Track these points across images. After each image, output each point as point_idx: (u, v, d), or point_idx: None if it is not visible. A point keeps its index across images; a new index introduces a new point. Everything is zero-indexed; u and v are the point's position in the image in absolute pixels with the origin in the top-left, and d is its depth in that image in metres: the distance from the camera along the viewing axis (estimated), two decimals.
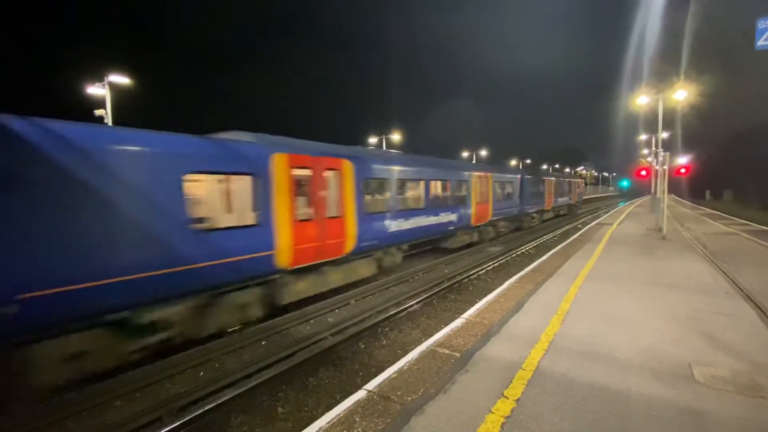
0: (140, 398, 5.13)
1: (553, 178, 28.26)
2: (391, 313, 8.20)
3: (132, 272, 5.20)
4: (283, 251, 7.41)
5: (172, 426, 4.40)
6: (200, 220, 6.15)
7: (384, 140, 34.54)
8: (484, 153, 57.77)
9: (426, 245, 14.37)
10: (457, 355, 4.66)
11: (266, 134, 7.92)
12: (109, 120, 14.54)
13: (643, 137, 30.95)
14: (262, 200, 7.03)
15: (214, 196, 6.95)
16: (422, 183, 12.37)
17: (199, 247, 6.03)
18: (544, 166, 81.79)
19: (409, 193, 12.11)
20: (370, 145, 31.57)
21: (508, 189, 19.68)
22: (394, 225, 10.85)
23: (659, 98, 16.61)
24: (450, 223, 13.94)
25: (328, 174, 8.68)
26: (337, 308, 8.67)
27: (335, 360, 6.25)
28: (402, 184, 11.49)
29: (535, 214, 24.08)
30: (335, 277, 9.15)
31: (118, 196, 5.16)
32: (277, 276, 7.51)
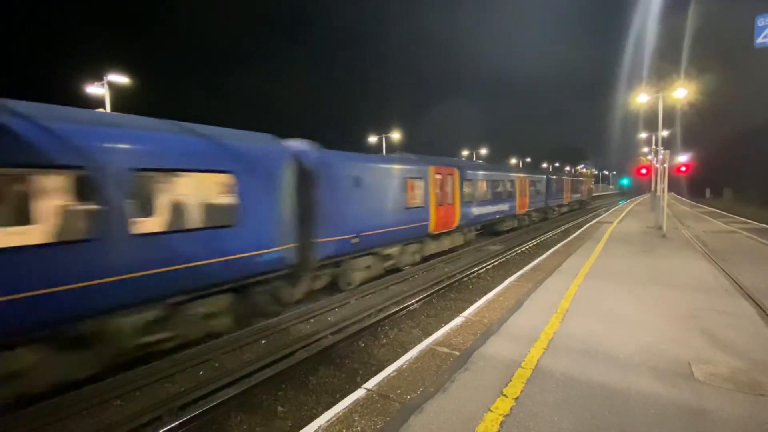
0: (140, 397, 5.13)
1: (570, 178, 35.76)
2: (391, 311, 8.20)
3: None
4: (431, 223, 12.78)
5: (173, 425, 4.40)
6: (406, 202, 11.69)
7: (384, 139, 34.50)
8: (483, 152, 57.75)
9: (487, 227, 19.53)
10: (457, 353, 4.66)
11: (423, 155, 13.37)
12: None
13: (643, 136, 30.97)
14: (425, 193, 12.40)
15: (411, 190, 11.82)
16: (490, 183, 18.04)
17: (406, 217, 11.48)
18: (544, 165, 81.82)
19: (483, 190, 17.30)
20: (371, 145, 32.52)
21: (538, 187, 25.50)
22: (475, 211, 16.18)
23: (659, 97, 16.58)
24: (502, 212, 19.48)
25: (448, 177, 14.02)
26: (337, 307, 8.68)
27: (335, 359, 6.25)
28: (481, 183, 16.96)
29: (556, 207, 30.44)
30: (446, 243, 14.39)
31: (384, 188, 10.75)
32: (426, 237, 12.93)
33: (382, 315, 7.99)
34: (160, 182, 5.65)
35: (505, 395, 3.68)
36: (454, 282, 10.74)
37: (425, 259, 12.95)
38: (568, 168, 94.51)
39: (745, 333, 5.18)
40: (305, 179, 8.12)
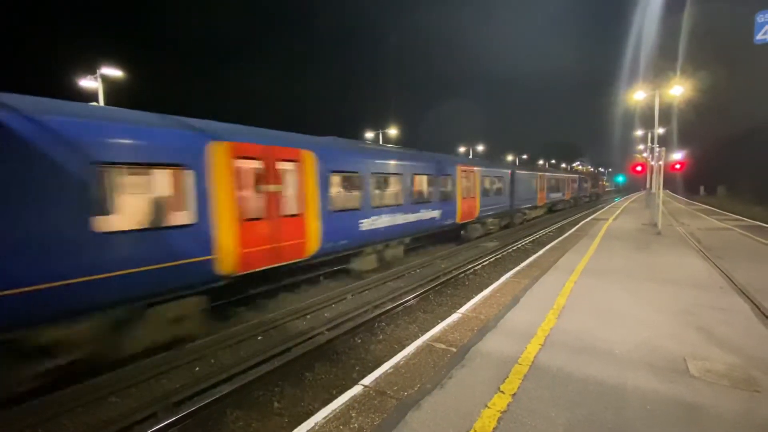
0: (136, 394, 5.10)
1: (590, 177, 54.70)
2: (388, 308, 8.19)
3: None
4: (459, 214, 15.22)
5: (168, 421, 4.37)
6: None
7: (381, 135, 34.42)
8: (480, 148, 57.79)
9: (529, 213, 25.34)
10: (454, 350, 4.66)
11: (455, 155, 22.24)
12: None
13: (639, 133, 31.09)
14: (452, 188, 14.91)
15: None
16: (536, 180, 25.63)
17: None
18: (540, 162, 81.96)
19: (525, 186, 23.15)
20: (367, 139, 32.36)
21: (578, 183, 41.40)
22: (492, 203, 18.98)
23: (655, 94, 16.62)
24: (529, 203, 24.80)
25: (501, 176, 19.63)
26: (333, 303, 8.66)
27: (332, 355, 6.24)
28: (519, 179, 22.04)
29: (580, 198, 43.80)
30: (493, 224, 19.05)
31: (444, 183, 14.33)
32: (457, 224, 15.35)
33: (378, 311, 7.98)
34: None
35: (502, 391, 3.68)
36: (451, 278, 10.75)
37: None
38: (564, 165, 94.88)
39: (740, 329, 5.22)
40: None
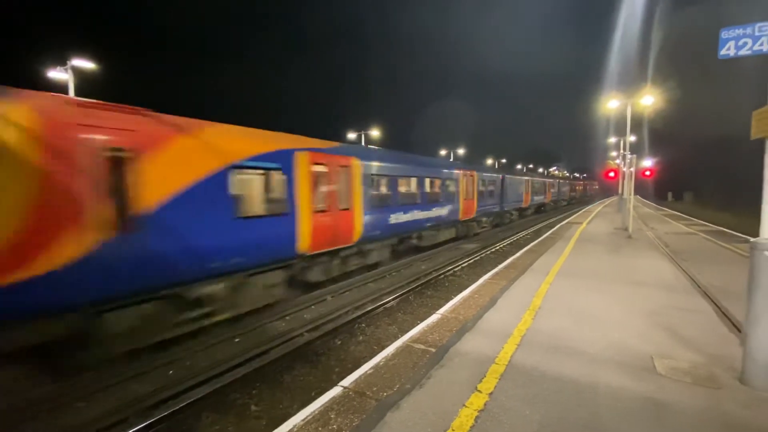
0: (106, 398, 4.91)
1: (585, 182, 75.58)
2: (368, 309, 8.20)
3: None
4: (461, 212, 17.50)
5: (140, 426, 4.24)
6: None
7: (363, 136, 34.41)
8: (461, 151, 58.52)
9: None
10: (433, 350, 4.71)
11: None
12: None
13: (612, 140, 32.22)
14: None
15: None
16: (523, 184, 28.74)
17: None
18: (519, 166, 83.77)
19: (513, 189, 25.97)
20: (350, 141, 32.54)
21: (557, 188, 44.37)
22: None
23: (628, 104, 17.28)
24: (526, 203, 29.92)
25: (471, 177, 18.64)
26: (313, 305, 8.60)
27: (311, 357, 6.19)
28: (509, 183, 24.67)
29: (560, 201, 47.39)
30: (486, 222, 21.61)
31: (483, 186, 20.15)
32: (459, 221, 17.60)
33: (359, 312, 7.97)
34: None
35: (479, 391, 3.75)
36: (431, 279, 10.85)
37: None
38: (541, 169, 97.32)
39: (703, 329, 5.48)
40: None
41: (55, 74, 14.65)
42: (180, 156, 5.88)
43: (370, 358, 4.64)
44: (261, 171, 7.36)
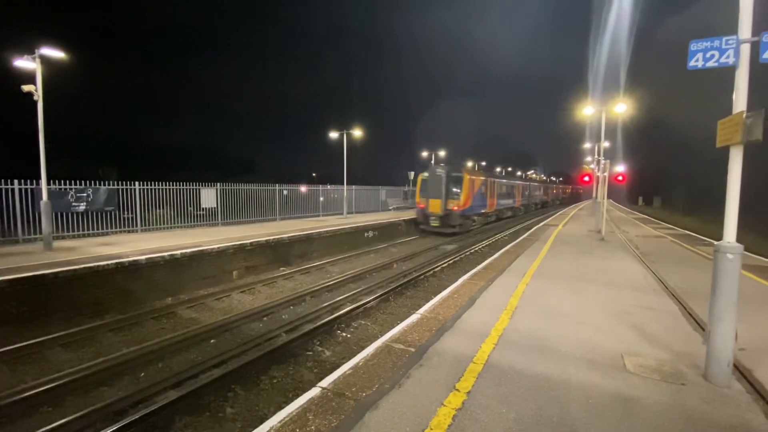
0: (72, 402, 4.71)
1: (576, 187, 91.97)
2: (348, 309, 8.16)
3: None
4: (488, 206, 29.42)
5: (109, 431, 4.08)
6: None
7: (345, 135, 34.26)
8: (442, 153, 59.10)
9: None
10: (412, 350, 4.73)
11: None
12: (39, 97, 13.08)
13: (588, 145, 33.23)
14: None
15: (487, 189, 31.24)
16: (515, 188, 37.58)
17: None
18: (498, 169, 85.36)
19: (507, 191, 32.99)
20: (332, 141, 32.35)
21: (542, 191, 54.41)
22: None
23: (602, 111, 17.86)
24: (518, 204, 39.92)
25: (488, 182, 28.36)
26: (292, 305, 8.50)
27: (289, 358, 6.12)
28: (503, 186, 32.50)
29: (546, 202, 57.23)
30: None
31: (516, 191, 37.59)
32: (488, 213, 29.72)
33: (338, 313, 7.93)
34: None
35: (457, 389, 3.79)
36: (411, 280, 10.91)
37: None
38: (519, 172, 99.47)
39: (670, 328, 5.72)
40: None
41: (22, 63, 13.92)
42: (476, 183, 23.58)
43: (350, 358, 4.62)
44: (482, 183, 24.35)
